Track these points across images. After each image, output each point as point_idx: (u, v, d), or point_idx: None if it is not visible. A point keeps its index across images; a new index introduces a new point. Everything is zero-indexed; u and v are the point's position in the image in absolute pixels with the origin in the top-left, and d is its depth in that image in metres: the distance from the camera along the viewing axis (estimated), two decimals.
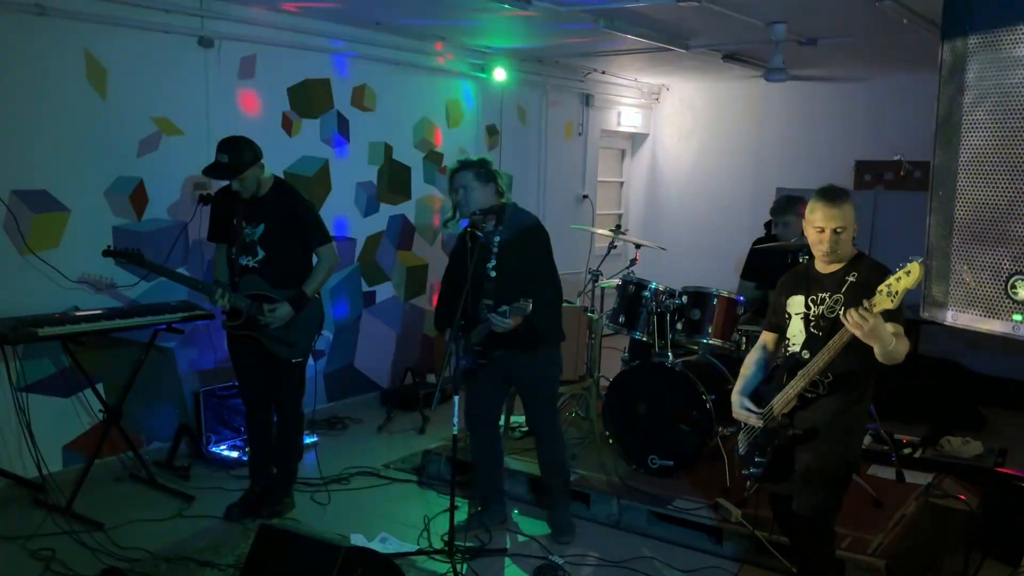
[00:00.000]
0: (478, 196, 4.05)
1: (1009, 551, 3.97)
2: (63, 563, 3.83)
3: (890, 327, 2.86)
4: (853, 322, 2.78)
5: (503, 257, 4.02)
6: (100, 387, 4.77)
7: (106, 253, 4.26)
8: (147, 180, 5.03)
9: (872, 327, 2.77)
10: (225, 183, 4.28)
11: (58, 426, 4.75)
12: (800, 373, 3.07)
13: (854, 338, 2.85)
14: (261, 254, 4.22)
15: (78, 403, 4.82)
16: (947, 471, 4.91)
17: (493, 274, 4.02)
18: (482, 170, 4.07)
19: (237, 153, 4.07)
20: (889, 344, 2.84)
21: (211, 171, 4.14)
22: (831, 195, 3.08)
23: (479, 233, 3.96)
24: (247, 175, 4.11)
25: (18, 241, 4.49)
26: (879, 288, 2.71)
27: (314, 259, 4.35)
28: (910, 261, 2.63)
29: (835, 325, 3.00)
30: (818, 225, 3.08)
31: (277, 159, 5.41)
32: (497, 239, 4.03)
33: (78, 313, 4.48)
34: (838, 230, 3.05)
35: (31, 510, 4.39)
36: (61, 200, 4.66)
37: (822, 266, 3.18)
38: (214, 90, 5.31)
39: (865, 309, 2.76)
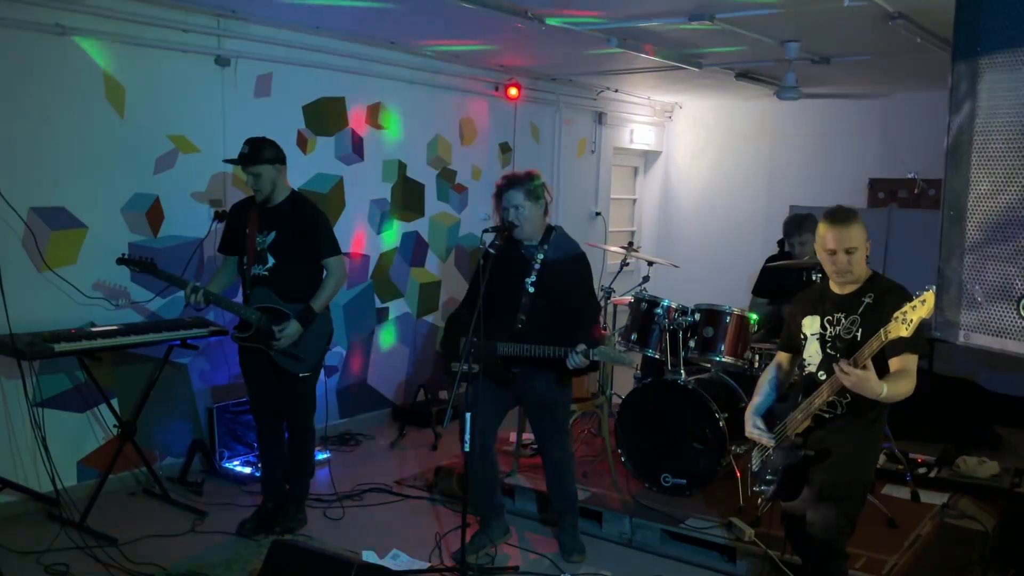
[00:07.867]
0: (530, 215, 3.96)
1: None
2: None
3: (897, 362, 2.89)
4: (838, 373, 2.79)
5: (544, 275, 3.98)
6: (115, 402, 4.80)
7: (120, 261, 4.32)
8: (163, 197, 5.08)
9: (856, 380, 2.78)
10: (243, 197, 4.36)
11: (73, 441, 4.78)
12: (814, 395, 3.07)
13: (876, 358, 2.84)
14: (271, 262, 4.25)
15: (93, 418, 4.85)
16: (963, 491, 4.87)
17: (532, 290, 3.97)
18: (531, 186, 3.97)
19: (258, 146, 4.20)
20: (879, 393, 2.81)
21: (231, 159, 4.31)
22: (840, 216, 3.07)
23: (492, 251, 3.97)
24: (263, 172, 4.18)
25: (36, 257, 4.53)
26: (894, 315, 2.69)
27: (324, 274, 4.38)
28: (926, 290, 2.60)
29: (852, 346, 2.99)
30: (830, 247, 3.07)
31: (292, 176, 5.43)
32: (541, 256, 4.00)
33: (94, 329, 4.53)
34: (850, 251, 3.04)
35: (45, 524, 4.41)
36: (78, 217, 4.72)
37: (837, 286, 3.17)
38: (230, 108, 5.36)
39: (849, 363, 2.78)
